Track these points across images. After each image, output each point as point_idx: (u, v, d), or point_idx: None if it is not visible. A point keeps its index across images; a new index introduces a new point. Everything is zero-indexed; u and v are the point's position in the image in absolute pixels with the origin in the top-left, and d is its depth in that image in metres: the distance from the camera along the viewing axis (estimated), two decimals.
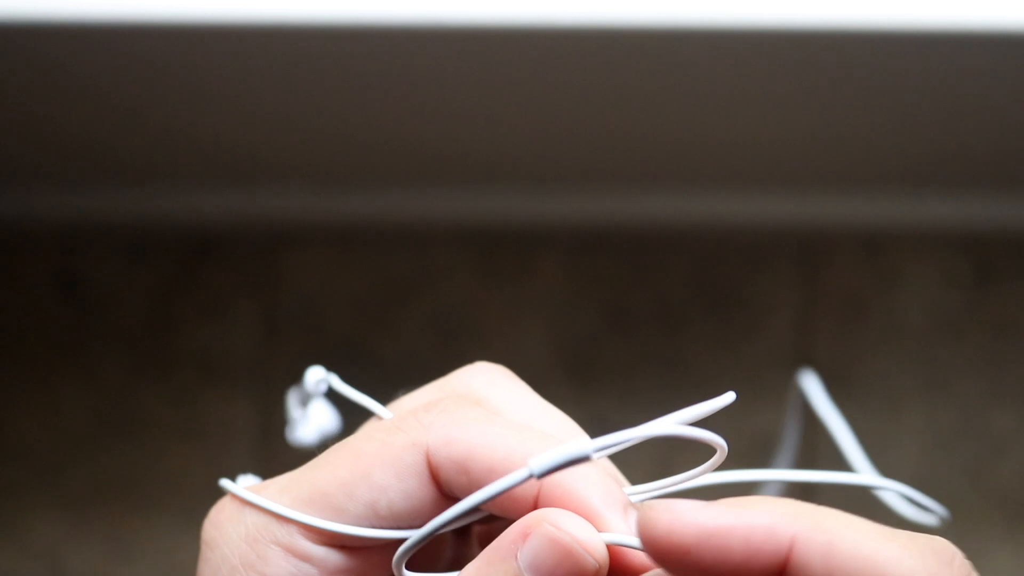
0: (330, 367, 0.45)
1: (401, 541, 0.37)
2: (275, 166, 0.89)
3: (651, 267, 0.92)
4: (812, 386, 0.57)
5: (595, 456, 0.33)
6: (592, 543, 0.35)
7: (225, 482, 0.39)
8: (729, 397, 0.35)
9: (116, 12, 0.63)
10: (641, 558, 0.35)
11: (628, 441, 0.34)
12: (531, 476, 0.33)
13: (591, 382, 0.93)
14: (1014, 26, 0.63)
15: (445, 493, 0.37)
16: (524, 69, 0.70)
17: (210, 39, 0.66)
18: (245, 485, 0.39)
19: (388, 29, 0.65)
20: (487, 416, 0.38)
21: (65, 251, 0.95)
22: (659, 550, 0.32)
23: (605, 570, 0.35)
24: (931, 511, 0.44)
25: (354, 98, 0.76)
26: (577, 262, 0.94)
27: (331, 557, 0.37)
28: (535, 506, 0.36)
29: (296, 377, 0.44)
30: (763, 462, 0.86)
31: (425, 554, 0.41)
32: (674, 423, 0.35)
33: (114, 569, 0.92)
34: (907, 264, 0.93)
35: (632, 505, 0.37)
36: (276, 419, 0.92)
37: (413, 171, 0.88)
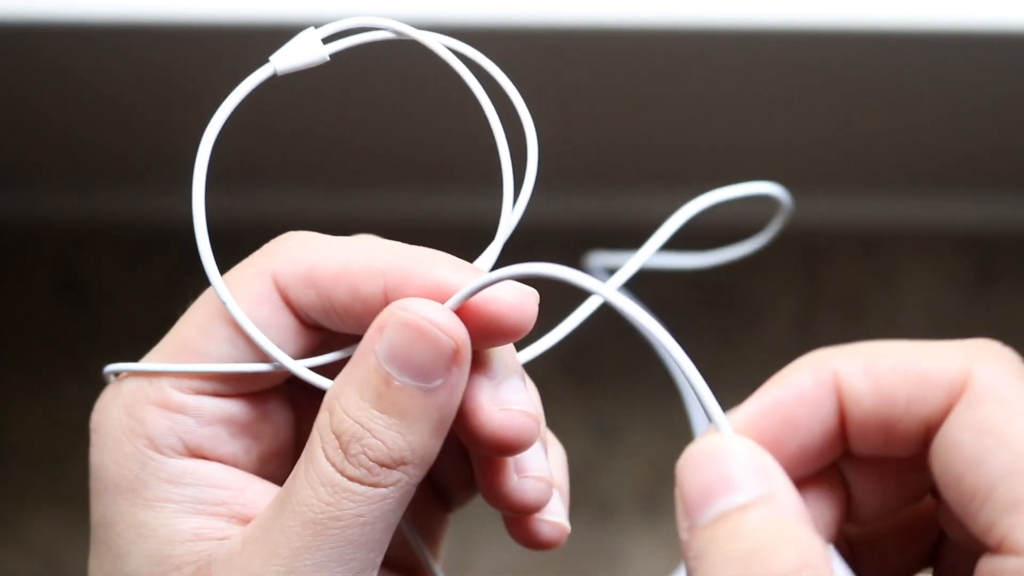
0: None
1: (272, 378, 0.37)
2: (275, 166, 0.89)
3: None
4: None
5: None
6: (446, 321, 0.34)
7: (107, 367, 0.39)
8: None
9: (116, 12, 0.63)
10: (503, 317, 0.35)
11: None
12: (274, 72, 0.37)
13: (591, 382, 0.93)
14: (1014, 26, 0.63)
15: (303, 320, 0.37)
16: (523, 69, 0.70)
17: (210, 39, 0.66)
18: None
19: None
20: (329, 237, 0.38)
21: (65, 251, 0.95)
22: None
23: (465, 349, 0.35)
24: (770, 193, 0.43)
25: (353, 99, 0.76)
26: (576, 262, 0.94)
27: (205, 404, 0.37)
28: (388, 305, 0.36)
29: None
30: None
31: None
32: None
33: None
34: (907, 264, 0.93)
35: (479, 271, 0.37)
36: None
37: (413, 171, 0.88)
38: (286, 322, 0.37)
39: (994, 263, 0.93)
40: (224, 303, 0.36)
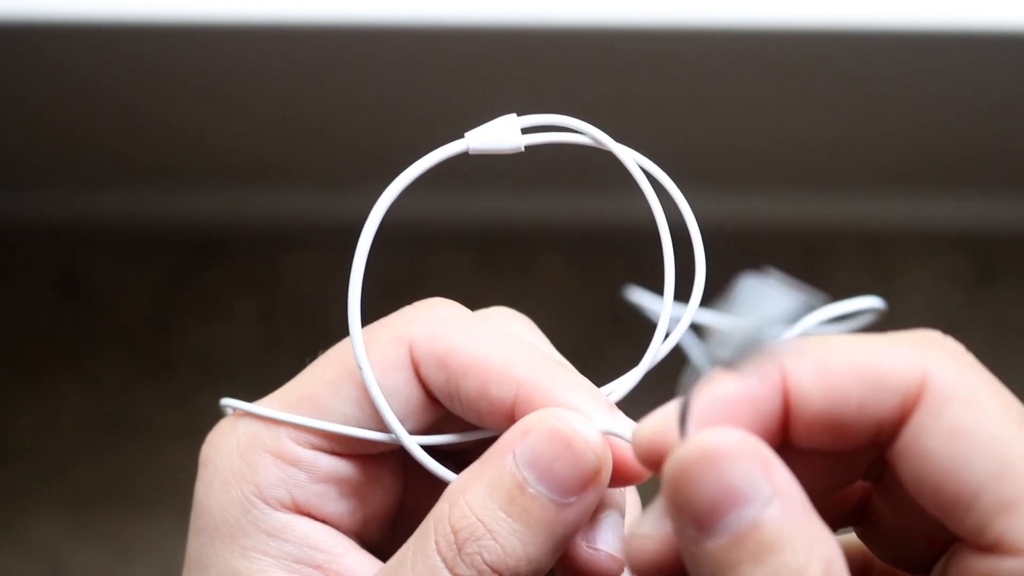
0: None
1: (389, 444, 0.36)
2: (275, 166, 0.89)
3: (651, 267, 0.92)
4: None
5: None
6: (596, 440, 0.33)
7: (224, 400, 0.38)
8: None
9: (116, 12, 0.63)
10: (630, 464, 0.34)
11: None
12: (467, 150, 0.35)
13: (590, 379, 0.93)
14: (1014, 26, 0.63)
15: (430, 394, 0.36)
16: (524, 68, 0.70)
17: (210, 39, 0.66)
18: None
19: (387, 29, 0.65)
20: (475, 318, 0.37)
21: (65, 251, 0.95)
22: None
23: (606, 472, 0.34)
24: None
25: (354, 98, 0.76)
26: (577, 262, 0.93)
27: (320, 461, 0.36)
28: (514, 413, 0.35)
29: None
30: None
31: None
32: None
33: (114, 569, 0.92)
34: (907, 264, 0.93)
35: (615, 406, 0.36)
36: None
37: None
38: (415, 394, 0.36)
39: (994, 263, 0.93)
40: (360, 370, 0.35)
